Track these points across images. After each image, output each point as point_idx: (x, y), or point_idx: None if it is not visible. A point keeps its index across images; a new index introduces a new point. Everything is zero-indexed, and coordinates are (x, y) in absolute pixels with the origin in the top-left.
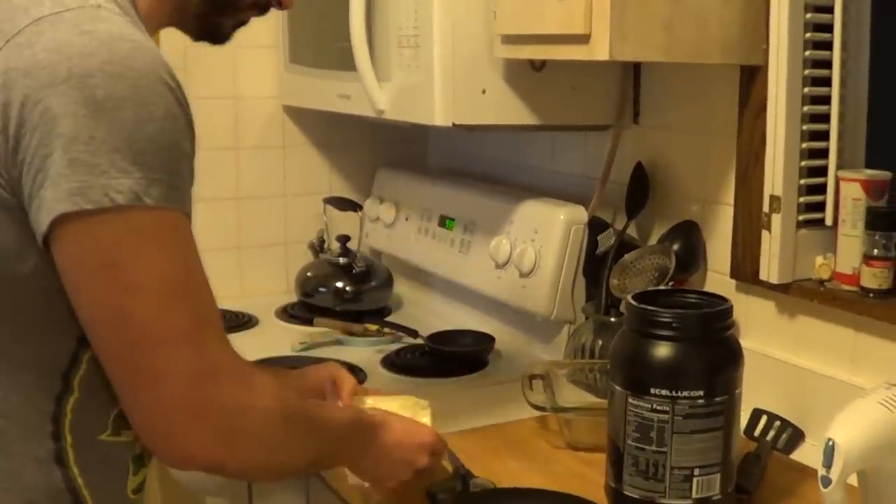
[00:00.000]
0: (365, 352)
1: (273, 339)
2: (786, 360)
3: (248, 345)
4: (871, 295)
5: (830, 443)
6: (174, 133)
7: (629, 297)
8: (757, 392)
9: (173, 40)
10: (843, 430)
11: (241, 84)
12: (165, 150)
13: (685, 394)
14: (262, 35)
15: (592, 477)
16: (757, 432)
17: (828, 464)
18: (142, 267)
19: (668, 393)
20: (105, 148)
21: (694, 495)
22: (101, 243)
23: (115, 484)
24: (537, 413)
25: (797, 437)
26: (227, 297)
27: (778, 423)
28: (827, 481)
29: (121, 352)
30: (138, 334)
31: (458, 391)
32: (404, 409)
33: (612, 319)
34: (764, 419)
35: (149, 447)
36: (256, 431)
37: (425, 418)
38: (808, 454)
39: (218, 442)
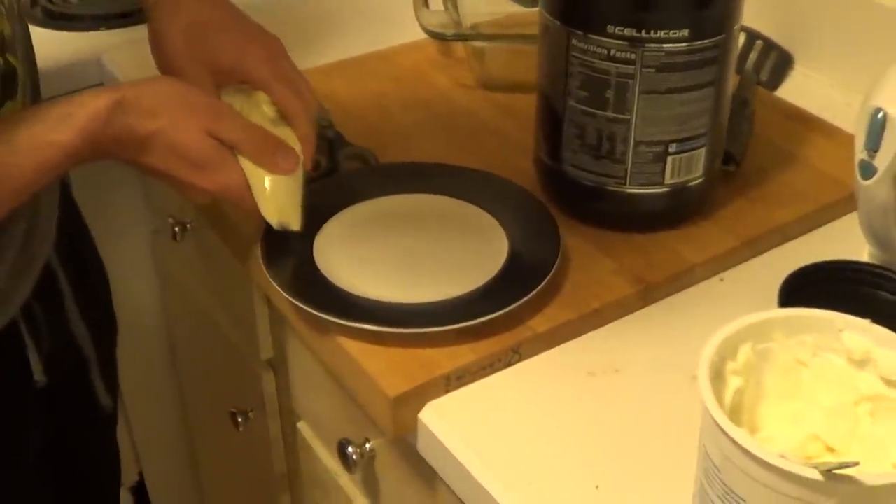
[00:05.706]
0: None
1: None
2: None
3: None
4: None
5: (880, 114)
6: None
7: None
8: None
9: None
10: None
11: None
12: None
13: (660, 34)
14: None
15: (515, 136)
16: None
17: (873, 145)
18: None
19: (635, 33)
20: None
21: (668, 180)
22: None
23: None
24: None
25: (784, 64)
26: None
27: (760, 43)
28: (870, 170)
29: None
30: None
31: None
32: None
33: None
34: (741, 38)
35: None
36: None
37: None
38: (799, 90)
39: None
